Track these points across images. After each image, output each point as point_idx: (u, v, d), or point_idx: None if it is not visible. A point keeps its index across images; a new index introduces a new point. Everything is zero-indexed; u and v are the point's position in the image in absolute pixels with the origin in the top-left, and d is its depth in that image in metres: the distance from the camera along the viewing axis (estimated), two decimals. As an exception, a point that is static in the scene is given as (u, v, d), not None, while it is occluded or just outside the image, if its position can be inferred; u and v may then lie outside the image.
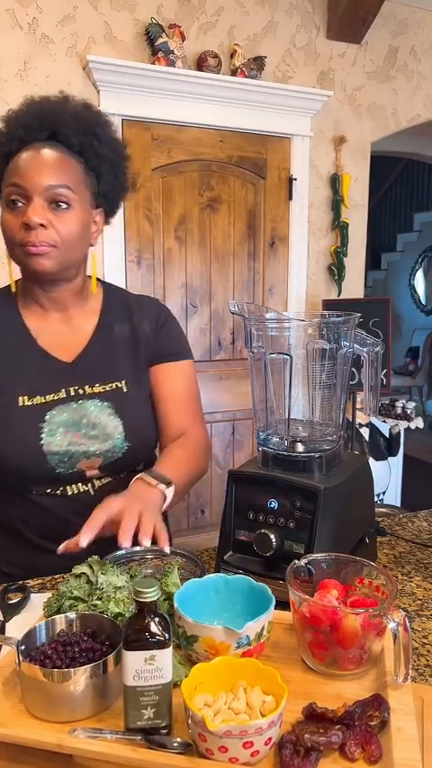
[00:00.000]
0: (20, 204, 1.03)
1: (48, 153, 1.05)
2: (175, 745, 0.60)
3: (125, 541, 0.81)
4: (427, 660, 0.84)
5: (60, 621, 0.74)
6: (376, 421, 3.43)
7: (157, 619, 0.62)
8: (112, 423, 1.13)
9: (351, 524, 1.01)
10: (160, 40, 2.59)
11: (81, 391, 1.14)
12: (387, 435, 3.50)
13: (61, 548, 0.87)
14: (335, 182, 3.11)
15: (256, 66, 2.78)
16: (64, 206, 1.05)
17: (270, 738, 0.59)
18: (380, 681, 0.72)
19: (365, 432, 3.37)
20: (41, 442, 1.09)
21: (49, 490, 1.12)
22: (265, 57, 2.83)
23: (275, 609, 0.74)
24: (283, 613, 0.79)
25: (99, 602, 0.77)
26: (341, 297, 3.20)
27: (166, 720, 0.63)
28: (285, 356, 0.99)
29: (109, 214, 1.20)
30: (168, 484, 0.99)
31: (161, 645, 0.61)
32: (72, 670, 0.64)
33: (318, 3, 2.98)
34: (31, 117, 1.07)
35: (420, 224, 6.84)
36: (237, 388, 3.03)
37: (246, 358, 1.16)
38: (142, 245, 2.79)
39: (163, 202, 2.81)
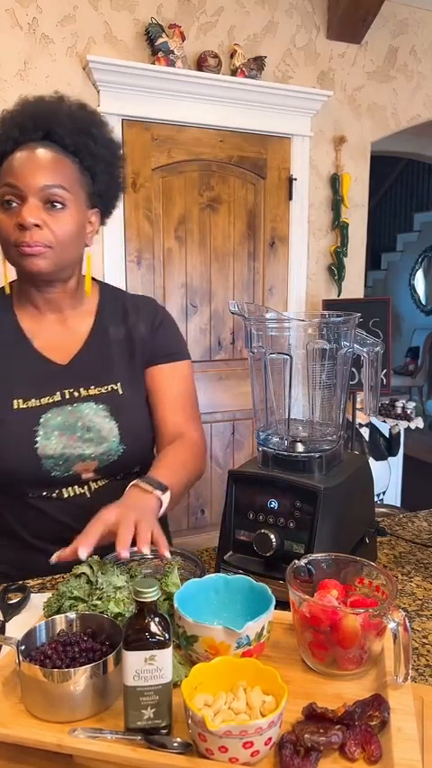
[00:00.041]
0: (14, 204, 1.03)
1: (42, 153, 1.04)
2: (175, 745, 0.60)
3: (124, 551, 0.80)
4: (427, 660, 0.84)
5: (60, 621, 0.74)
6: (376, 421, 3.43)
7: (157, 619, 0.62)
8: (107, 425, 1.12)
9: (351, 524, 1.01)
10: (160, 40, 2.59)
11: (76, 394, 1.13)
12: (387, 435, 3.50)
13: (54, 558, 0.86)
14: (335, 182, 3.11)
15: (256, 66, 2.78)
16: (59, 206, 1.04)
17: (270, 738, 0.59)
18: (380, 681, 0.72)
19: (365, 432, 3.37)
20: (36, 445, 1.08)
21: (45, 493, 1.12)
22: (265, 57, 2.83)
23: (275, 609, 0.74)
24: (283, 613, 0.79)
25: (99, 602, 0.77)
26: (341, 297, 3.20)
27: (166, 720, 0.63)
28: (285, 356, 0.99)
29: (104, 214, 1.19)
30: (164, 489, 0.98)
31: (161, 645, 0.61)
32: (72, 670, 0.64)
33: (318, 3, 2.98)
34: (26, 117, 1.07)
35: (420, 224, 6.83)
36: (237, 388, 3.03)
37: (246, 358, 1.16)
38: (142, 245, 2.79)
39: (163, 202, 2.81)
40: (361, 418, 3.18)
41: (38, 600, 0.94)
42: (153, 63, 2.61)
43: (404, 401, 3.45)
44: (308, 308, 3.16)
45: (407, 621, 0.69)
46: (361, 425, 3.30)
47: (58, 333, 1.17)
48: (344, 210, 3.14)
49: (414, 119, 3.30)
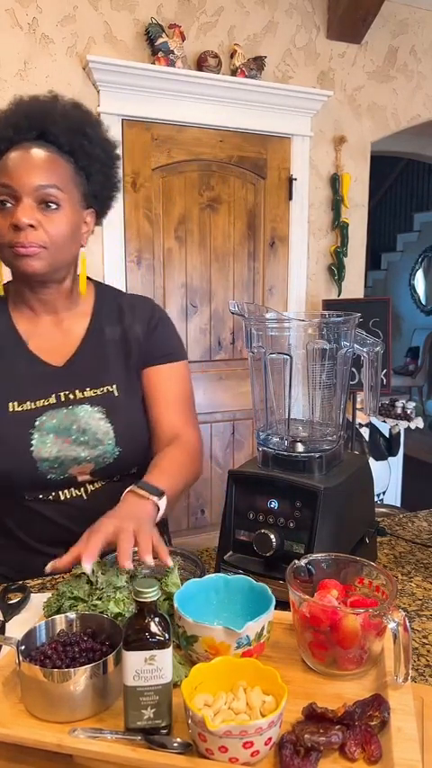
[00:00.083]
0: (9, 205, 1.02)
1: (37, 153, 1.03)
2: (175, 745, 0.60)
3: (127, 563, 0.80)
4: (427, 660, 0.84)
5: (60, 621, 0.74)
6: (376, 421, 3.43)
7: (157, 619, 0.62)
8: (102, 428, 1.11)
9: (351, 524, 1.01)
10: (160, 40, 2.59)
11: (72, 396, 1.12)
12: (387, 435, 3.50)
13: (48, 567, 0.86)
14: (335, 182, 3.11)
15: (256, 66, 2.78)
16: (53, 206, 1.03)
17: (270, 738, 0.59)
18: (380, 681, 0.72)
19: (365, 432, 3.37)
20: (32, 448, 1.08)
21: (41, 496, 1.12)
22: (265, 57, 2.83)
23: (275, 609, 0.74)
24: (283, 613, 0.79)
25: (99, 602, 0.77)
26: (341, 297, 3.20)
27: (166, 720, 0.63)
28: (285, 356, 0.99)
29: (100, 214, 1.18)
30: (161, 495, 0.97)
31: (161, 645, 0.61)
32: (72, 670, 0.64)
33: (318, 3, 2.98)
34: (20, 116, 1.06)
35: (420, 224, 6.83)
36: (237, 388, 3.03)
37: (246, 358, 1.16)
38: (142, 245, 2.79)
39: (163, 202, 2.81)
40: (361, 418, 3.18)
41: (38, 600, 0.94)
42: (153, 63, 2.61)
43: (404, 401, 3.45)
44: (308, 308, 3.16)
45: (407, 621, 0.69)
46: (361, 425, 3.30)
47: (53, 334, 1.16)
48: (344, 210, 3.14)
49: (414, 119, 3.30)
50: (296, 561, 0.81)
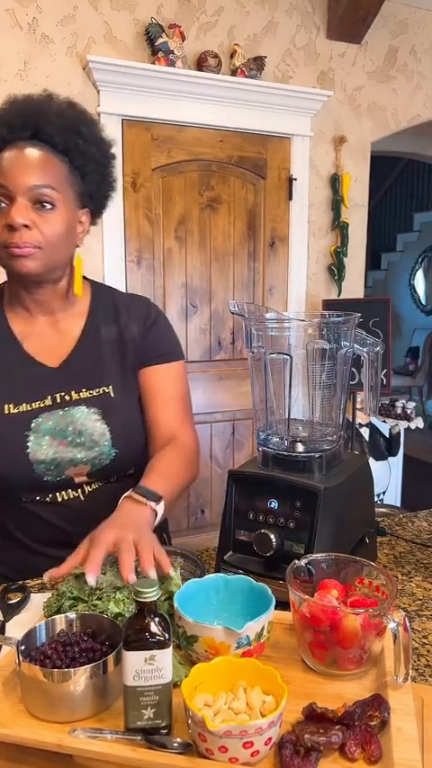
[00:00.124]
0: (3, 205, 1.01)
1: (31, 152, 1.02)
2: (175, 745, 0.60)
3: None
4: (427, 660, 0.84)
5: (60, 621, 0.74)
6: (376, 421, 3.43)
7: (157, 619, 0.62)
8: (98, 429, 1.11)
9: (351, 524, 1.01)
10: (160, 40, 2.59)
11: (67, 397, 1.12)
12: (387, 435, 3.50)
13: (46, 577, 0.86)
14: (335, 182, 3.11)
15: (256, 66, 2.78)
16: (48, 206, 1.02)
17: (270, 738, 0.59)
18: (380, 681, 0.72)
19: (365, 432, 3.37)
20: (28, 450, 1.07)
21: (38, 498, 1.11)
22: (265, 57, 2.83)
23: (275, 609, 0.74)
24: (283, 613, 0.79)
25: (99, 603, 0.77)
26: (341, 297, 3.20)
27: (166, 720, 0.63)
28: (285, 356, 0.99)
29: (95, 214, 1.17)
30: (158, 500, 0.96)
31: (161, 645, 0.61)
32: (72, 670, 0.64)
33: (318, 3, 2.98)
34: (14, 115, 1.05)
35: (420, 224, 6.83)
36: (237, 388, 3.03)
37: (246, 358, 1.15)
38: (142, 245, 2.79)
39: (163, 202, 2.81)
40: (361, 418, 3.18)
41: (38, 600, 0.94)
42: (153, 63, 2.61)
43: (404, 401, 3.45)
44: (308, 308, 3.16)
45: (407, 621, 0.69)
46: (361, 425, 3.30)
47: (49, 335, 1.15)
48: (344, 210, 3.14)
49: (414, 119, 3.30)
50: (296, 561, 0.81)
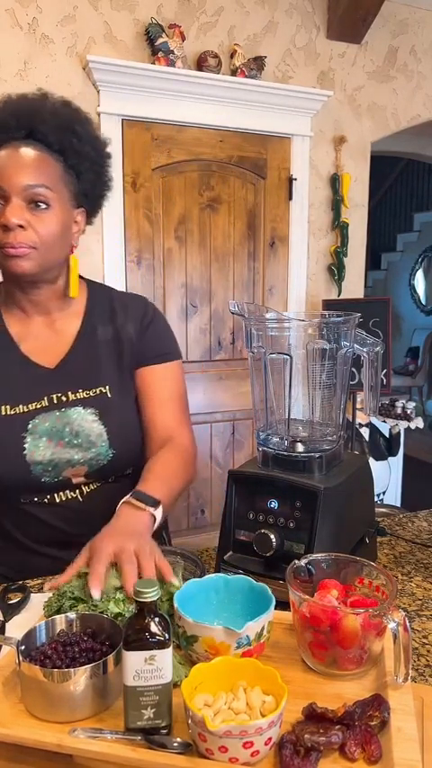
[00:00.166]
0: None
1: (26, 152, 1.02)
2: (175, 745, 0.60)
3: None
4: (427, 660, 0.84)
5: (60, 621, 0.74)
6: (376, 421, 3.43)
7: (157, 619, 0.62)
8: (96, 430, 1.10)
9: (351, 524, 1.01)
10: (160, 40, 2.59)
11: (64, 398, 1.11)
12: (387, 435, 3.50)
13: (47, 587, 0.86)
14: (335, 182, 3.11)
15: (256, 66, 2.78)
16: (43, 206, 1.02)
17: (270, 738, 0.59)
18: (380, 681, 0.72)
19: (365, 432, 3.37)
20: (25, 451, 1.07)
21: (36, 499, 1.11)
22: (265, 57, 2.83)
23: (275, 609, 0.74)
24: (283, 613, 0.79)
25: (99, 603, 0.77)
26: (341, 297, 3.20)
27: (166, 720, 0.63)
28: (285, 356, 0.99)
29: (91, 214, 1.17)
30: (156, 505, 0.95)
31: (161, 645, 0.61)
32: (72, 670, 0.64)
33: (318, 3, 2.98)
34: (8, 115, 1.04)
35: (420, 224, 6.83)
36: (237, 388, 3.03)
37: (246, 358, 1.15)
38: (142, 245, 2.79)
39: (163, 202, 2.81)
40: (361, 418, 3.18)
41: (38, 600, 0.94)
42: (153, 63, 2.61)
43: (404, 401, 3.45)
44: (308, 308, 3.16)
45: (407, 621, 0.69)
46: (361, 425, 3.30)
47: (45, 336, 1.15)
48: (344, 210, 3.14)
49: (414, 119, 3.30)
50: (296, 561, 0.81)
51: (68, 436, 1.09)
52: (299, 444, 0.99)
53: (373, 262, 7.04)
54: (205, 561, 1.13)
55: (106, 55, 2.58)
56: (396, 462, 3.60)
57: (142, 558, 0.82)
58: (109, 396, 1.14)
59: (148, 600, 0.62)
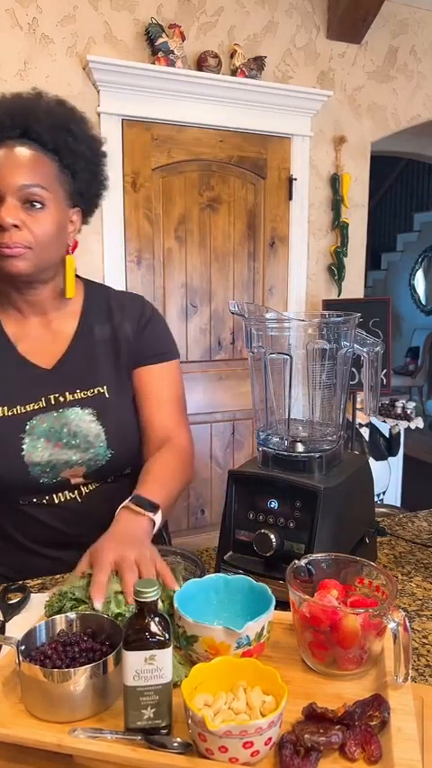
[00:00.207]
0: None
1: (20, 151, 1.01)
2: (175, 745, 0.60)
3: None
4: (427, 660, 0.84)
5: (60, 621, 0.74)
6: (376, 421, 3.43)
7: (157, 619, 0.62)
8: (93, 430, 1.10)
9: (351, 524, 1.01)
10: (160, 40, 2.59)
11: (62, 399, 1.11)
12: (387, 435, 3.50)
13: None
14: (335, 182, 3.11)
15: (256, 66, 2.78)
16: (38, 206, 1.01)
17: (270, 738, 0.59)
18: (380, 681, 0.72)
19: (365, 432, 3.37)
20: (23, 452, 1.07)
21: (35, 500, 1.11)
22: (265, 57, 2.83)
23: (275, 609, 0.74)
24: (283, 613, 0.79)
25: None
26: (341, 297, 3.20)
27: (166, 720, 0.63)
28: (285, 356, 0.99)
29: (87, 213, 1.16)
30: (155, 509, 0.95)
31: (161, 645, 0.61)
32: (72, 670, 0.64)
33: (318, 3, 2.98)
34: (3, 114, 1.04)
35: (420, 224, 6.83)
36: (237, 388, 3.03)
37: (246, 358, 1.15)
38: (142, 245, 2.79)
39: (163, 202, 2.81)
40: (361, 418, 3.18)
41: (38, 600, 0.94)
42: (153, 63, 2.61)
43: (404, 401, 3.45)
44: (308, 308, 3.16)
45: (407, 621, 0.69)
46: (361, 425, 3.30)
47: (42, 336, 1.14)
48: (344, 210, 3.14)
49: (414, 119, 3.30)
50: (296, 561, 0.80)
51: (66, 437, 1.09)
52: (299, 444, 0.99)
53: (373, 262, 7.04)
54: (205, 561, 1.13)
55: (106, 55, 2.58)
56: (396, 462, 3.60)
57: (143, 566, 0.82)
58: (107, 396, 1.13)
59: (148, 600, 0.62)
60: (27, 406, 1.10)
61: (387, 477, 3.56)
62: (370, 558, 0.97)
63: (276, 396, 1.04)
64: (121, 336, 1.17)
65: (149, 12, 2.65)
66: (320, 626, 0.72)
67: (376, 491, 3.34)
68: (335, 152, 3.12)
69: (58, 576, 1.06)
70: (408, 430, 3.44)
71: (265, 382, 1.04)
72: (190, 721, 0.59)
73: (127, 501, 0.95)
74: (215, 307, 2.99)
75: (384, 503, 3.44)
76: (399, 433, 3.46)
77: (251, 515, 0.97)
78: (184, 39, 2.66)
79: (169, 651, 0.62)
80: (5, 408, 1.09)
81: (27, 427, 1.08)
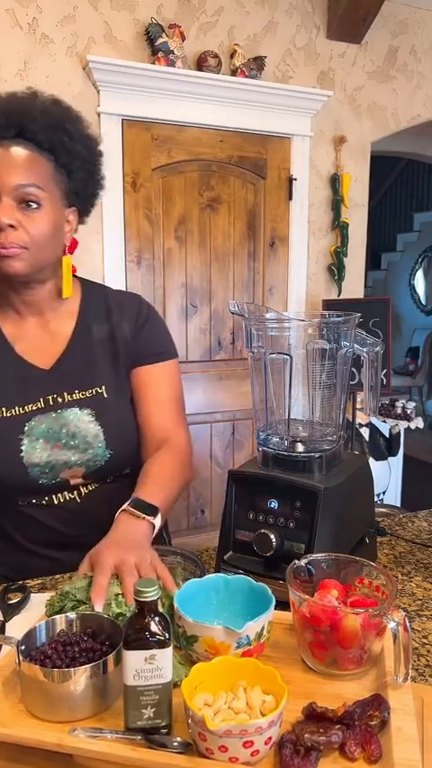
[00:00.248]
0: None
1: (16, 151, 1.01)
2: (175, 744, 0.60)
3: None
4: (427, 660, 0.84)
5: (60, 621, 0.74)
6: (376, 421, 3.43)
7: (157, 618, 0.62)
8: (92, 431, 1.10)
9: (351, 524, 1.01)
10: (160, 40, 2.59)
11: (60, 399, 1.11)
12: (387, 435, 3.50)
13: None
14: (335, 182, 3.11)
15: (256, 66, 2.78)
16: (34, 206, 1.01)
17: (270, 738, 0.59)
18: (380, 681, 0.72)
19: (365, 432, 3.37)
20: (22, 454, 1.07)
21: (34, 500, 1.11)
22: (265, 57, 2.83)
23: (275, 609, 0.74)
24: (283, 613, 0.79)
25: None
26: (341, 297, 3.20)
27: (166, 720, 0.63)
28: (285, 356, 0.99)
29: (83, 213, 1.16)
30: (155, 513, 0.94)
31: (161, 644, 0.61)
32: (72, 670, 0.64)
33: (318, 3, 2.98)
34: None
35: (420, 224, 6.83)
36: (237, 388, 3.03)
37: (246, 358, 1.15)
38: (142, 245, 2.79)
39: (163, 202, 2.81)
40: (361, 418, 3.18)
41: (38, 600, 0.94)
42: (153, 63, 2.61)
43: (404, 401, 3.45)
44: (308, 308, 3.16)
45: (407, 621, 0.69)
46: (361, 425, 3.30)
47: (40, 336, 1.14)
48: (344, 210, 3.14)
49: (414, 119, 3.30)
50: (296, 561, 0.81)
51: (65, 438, 1.09)
52: (299, 444, 0.99)
53: (373, 262, 7.04)
54: (205, 561, 1.13)
55: (106, 55, 2.58)
56: (396, 462, 3.60)
57: (143, 570, 0.82)
58: (105, 396, 1.13)
59: (148, 599, 0.62)
60: (25, 407, 1.09)
61: (387, 477, 3.56)
62: (370, 558, 0.97)
63: (276, 396, 1.04)
64: (118, 336, 1.16)
65: (149, 12, 2.65)
66: (320, 626, 0.72)
67: (376, 491, 3.34)
68: (335, 152, 3.12)
69: (57, 576, 1.06)
70: (408, 430, 3.44)
71: (265, 382, 1.04)
72: (190, 721, 0.59)
73: (126, 504, 0.95)
74: (215, 307, 2.99)
75: (384, 503, 3.44)
76: (399, 433, 3.46)
77: (251, 515, 0.97)
78: (184, 39, 2.66)
79: (169, 651, 0.62)
80: (4, 409, 1.09)
81: (26, 428, 1.08)
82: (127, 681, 0.61)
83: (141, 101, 2.65)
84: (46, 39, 2.51)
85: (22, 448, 1.07)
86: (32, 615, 0.89)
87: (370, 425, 3.41)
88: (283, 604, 0.77)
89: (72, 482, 1.11)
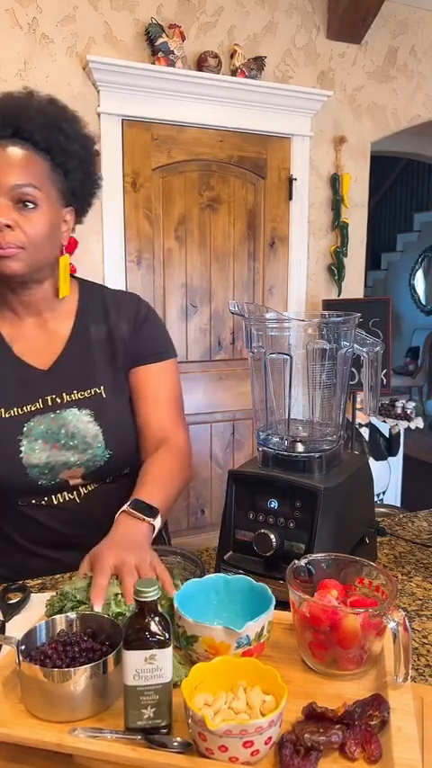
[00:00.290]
0: None
1: (12, 151, 1.01)
2: (175, 744, 0.60)
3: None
4: (427, 660, 0.84)
5: (60, 621, 0.74)
6: (376, 421, 3.43)
7: (157, 618, 0.62)
8: (91, 431, 1.10)
9: (351, 524, 1.01)
10: (160, 40, 2.59)
11: (59, 400, 1.10)
12: (387, 435, 3.50)
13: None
14: (335, 182, 3.11)
15: (256, 66, 2.78)
16: (30, 206, 1.01)
17: (270, 738, 0.59)
18: (380, 681, 0.72)
19: (365, 432, 3.37)
20: (21, 454, 1.07)
21: (34, 501, 1.11)
22: (265, 57, 2.83)
23: (275, 609, 0.74)
24: (283, 613, 0.79)
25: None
26: (341, 297, 3.20)
27: (166, 720, 0.63)
28: (285, 356, 0.99)
29: (80, 212, 1.15)
30: (155, 514, 0.94)
31: (161, 644, 0.61)
32: (72, 670, 0.64)
33: (318, 3, 2.98)
34: None
35: (420, 224, 6.84)
36: (237, 388, 3.03)
37: (246, 358, 1.15)
38: (142, 245, 2.79)
39: (163, 202, 2.81)
40: (361, 418, 3.18)
41: (38, 600, 0.94)
42: (153, 63, 2.61)
43: (404, 401, 3.45)
44: (308, 308, 3.16)
45: (407, 621, 0.69)
46: (361, 425, 3.30)
47: (37, 337, 1.14)
48: (344, 210, 3.14)
49: (414, 119, 3.30)
50: (296, 561, 0.81)
51: (64, 438, 1.09)
52: (299, 444, 0.99)
53: (373, 262, 7.04)
54: (205, 561, 1.13)
55: (106, 55, 2.58)
56: (396, 462, 3.60)
57: (143, 571, 0.82)
58: (104, 396, 1.13)
59: (148, 599, 0.62)
60: (24, 408, 1.09)
61: (387, 477, 3.56)
62: (370, 558, 0.97)
63: (276, 396, 1.04)
64: (117, 336, 1.16)
65: (149, 12, 2.65)
66: (320, 626, 0.72)
67: (376, 491, 3.34)
68: (335, 152, 3.12)
69: (57, 576, 1.06)
70: (408, 430, 3.43)
71: (265, 382, 1.04)
72: (190, 721, 0.59)
73: (126, 506, 0.95)
74: (215, 307, 2.99)
75: (384, 503, 3.44)
76: (399, 433, 3.46)
77: (251, 515, 0.97)
78: (184, 39, 2.66)
79: (169, 651, 0.62)
80: (2, 410, 1.08)
81: (24, 429, 1.08)
82: (127, 681, 0.61)
83: (141, 101, 2.65)
84: (46, 39, 2.51)
85: (22, 449, 1.07)
86: (32, 615, 0.89)
87: (370, 425, 3.41)
88: (283, 604, 0.77)
89: (71, 482, 1.11)
